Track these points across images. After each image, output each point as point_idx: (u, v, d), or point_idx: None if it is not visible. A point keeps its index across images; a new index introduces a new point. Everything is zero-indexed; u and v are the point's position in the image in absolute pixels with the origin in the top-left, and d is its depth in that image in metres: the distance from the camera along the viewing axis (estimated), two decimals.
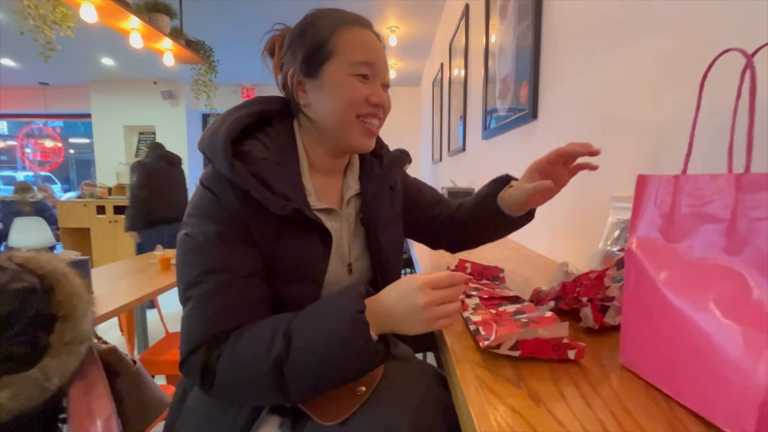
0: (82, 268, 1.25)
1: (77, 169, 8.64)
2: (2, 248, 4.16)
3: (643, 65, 0.72)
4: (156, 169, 2.70)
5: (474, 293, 0.64)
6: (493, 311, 0.53)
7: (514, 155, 1.50)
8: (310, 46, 0.58)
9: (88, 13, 1.99)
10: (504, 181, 0.71)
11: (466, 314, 0.54)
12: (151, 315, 2.12)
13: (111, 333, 2.50)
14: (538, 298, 0.61)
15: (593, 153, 0.59)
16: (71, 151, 8.16)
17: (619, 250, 0.53)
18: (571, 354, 0.42)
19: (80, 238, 4.46)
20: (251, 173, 0.53)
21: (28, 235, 4.15)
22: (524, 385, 0.38)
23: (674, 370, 0.35)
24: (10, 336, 0.45)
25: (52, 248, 4.33)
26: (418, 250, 1.20)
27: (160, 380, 1.57)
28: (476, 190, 0.76)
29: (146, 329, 1.98)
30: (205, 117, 6.09)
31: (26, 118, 6.76)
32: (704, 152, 0.54)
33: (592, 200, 0.90)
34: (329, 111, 0.58)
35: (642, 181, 0.44)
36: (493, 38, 1.79)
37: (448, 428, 0.49)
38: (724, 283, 0.32)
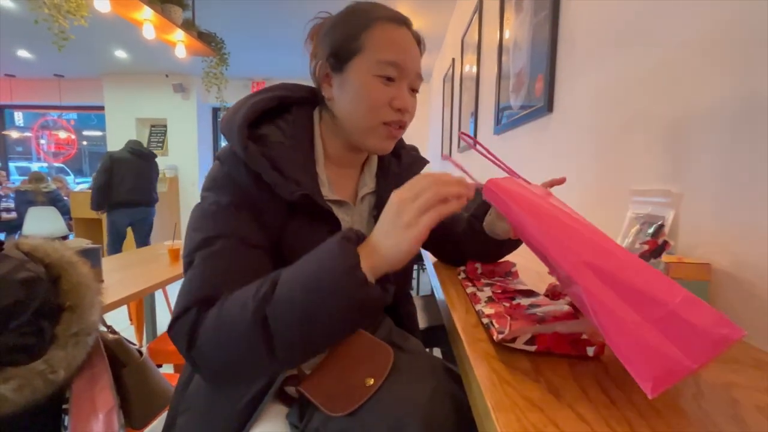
0: (93, 256, 1.26)
1: (90, 161, 8.77)
2: (17, 237, 4.23)
3: (663, 59, 0.69)
4: (120, 158, 3.20)
5: (486, 288, 0.62)
6: (507, 304, 0.52)
7: (527, 150, 1.47)
8: (340, 39, 0.56)
9: (102, 3, 2.00)
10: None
11: (478, 307, 0.53)
12: (160, 305, 2.14)
13: (121, 322, 2.53)
14: (553, 293, 0.59)
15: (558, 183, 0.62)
16: (84, 143, 8.29)
17: (642, 243, 0.51)
18: (590, 351, 0.40)
19: (92, 228, 4.53)
20: (265, 156, 0.52)
21: (42, 224, 4.22)
22: (543, 380, 0.36)
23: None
24: (15, 327, 0.44)
25: (64, 238, 4.40)
26: None
27: (167, 369, 1.58)
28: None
29: (155, 319, 2.00)
30: (216, 110, 6.13)
31: (41, 109, 6.87)
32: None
33: (611, 194, 0.88)
34: (351, 111, 0.57)
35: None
36: (507, 33, 1.76)
37: (458, 422, 0.47)
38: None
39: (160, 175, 5.38)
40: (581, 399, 0.33)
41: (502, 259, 0.75)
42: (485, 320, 0.46)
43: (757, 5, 0.50)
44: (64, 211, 4.54)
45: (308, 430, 0.51)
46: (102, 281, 1.29)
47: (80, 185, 7.07)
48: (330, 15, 0.62)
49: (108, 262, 1.61)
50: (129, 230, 3.45)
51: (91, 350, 0.52)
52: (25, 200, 4.36)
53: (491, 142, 1.99)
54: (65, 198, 4.68)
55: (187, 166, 5.77)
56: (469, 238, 0.72)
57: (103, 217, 3.34)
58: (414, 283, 3.42)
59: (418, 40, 0.61)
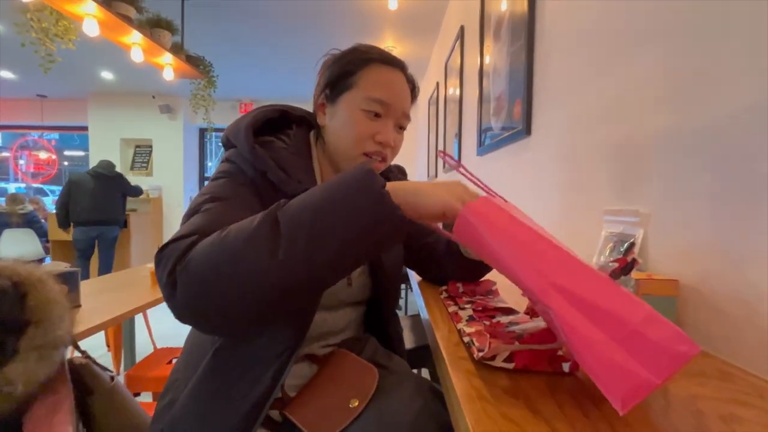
0: (71, 280, 1.23)
1: None
2: None
3: (632, 85, 0.74)
4: (78, 180, 3.49)
5: (467, 306, 0.63)
6: (487, 323, 0.53)
7: (508, 170, 1.52)
8: (337, 73, 0.62)
9: (91, 27, 2.02)
10: None
11: (459, 326, 0.54)
12: (140, 330, 2.07)
13: (97, 348, 2.43)
14: (533, 311, 0.61)
15: None
16: (66, 163, 8.11)
17: (612, 261, 0.53)
18: (566, 366, 0.41)
19: (70, 251, 4.37)
20: (272, 158, 0.56)
21: (18, 246, 4.07)
22: (522, 396, 0.37)
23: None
24: None
25: (41, 261, 4.24)
26: None
27: (146, 397, 1.52)
28: None
29: (134, 344, 1.93)
30: (203, 131, 6.13)
31: (22, 129, 6.74)
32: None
33: (587, 214, 0.91)
34: (337, 139, 0.62)
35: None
36: (487, 59, 1.84)
37: None
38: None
39: (143, 195, 5.33)
40: (557, 414, 0.34)
41: (483, 278, 0.77)
42: (466, 339, 0.47)
43: (701, 46, 0.55)
44: (41, 233, 4.39)
45: None
46: (79, 305, 1.25)
47: None
48: (339, 51, 0.68)
49: (86, 286, 1.56)
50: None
51: (56, 371, 0.48)
52: (0, 222, 4.21)
53: (475, 162, 2.05)
54: (42, 220, 4.54)
55: (172, 186, 5.71)
56: (449, 259, 0.74)
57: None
58: (402, 302, 3.40)
59: (412, 84, 0.66)
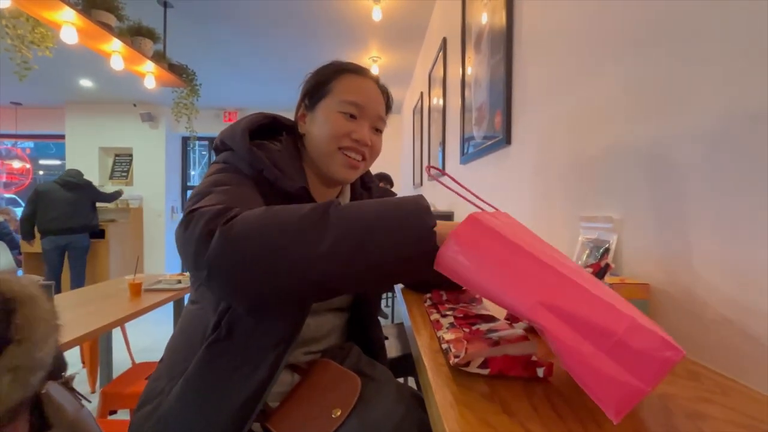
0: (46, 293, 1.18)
1: None
2: None
3: (604, 96, 0.78)
4: (45, 189, 3.45)
5: (449, 313, 0.64)
6: (467, 330, 0.54)
7: (490, 178, 1.56)
8: (314, 84, 0.66)
9: (69, 35, 1.98)
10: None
11: (440, 333, 0.54)
12: (118, 344, 2.00)
13: (72, 365, 2.33)
14: (513, 317, 0.62)
15: None
16: (41, 172, 7.85)
17: (587, 267, 0.55)
18: (540, 371, 0.42)
19: (43, 263, 4.22)
20: (267, 158, 0.59)
21: None
22: (498, 400, 0.38)
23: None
24: None
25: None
26: None
27: (123, 415, 1.47)
28: (455, 214, 0.78)
29: (111, 360, 1.87)
30: (185, 140, 6.03)
31: None
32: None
33: (564, 221, 0.94)
34: (316, 141, 0.65)
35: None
36: (469, 70, 1.89)
37: None
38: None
39: (122, 205, 5.19)
40: (532, 416, 0.35)
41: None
42: (444, 345, 0.48)
43: (666, 61, 0.59)
44: (12, 245, 4.22)
45: None
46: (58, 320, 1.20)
47: None
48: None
49: (62, 299, 1.51)
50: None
51: (29, 400, 0.44)
52: None
53: (458, 171, 2.08)
54: (14, 231, 4.36)
55: (153, 196, 5.58)
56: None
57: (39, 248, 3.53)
58: (389, 311, 3.39)
59: (385, 93, 0.70)
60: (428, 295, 0.77)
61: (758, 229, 0.44)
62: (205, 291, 0.57)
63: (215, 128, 5.32)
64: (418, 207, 0.45)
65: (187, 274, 1.81)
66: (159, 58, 2.66)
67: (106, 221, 4.74)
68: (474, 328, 0.53)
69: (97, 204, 3.88)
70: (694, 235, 0.53)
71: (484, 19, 1.60)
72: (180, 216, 0.61)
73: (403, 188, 5.33)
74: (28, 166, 6.86)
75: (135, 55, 2.41)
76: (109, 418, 1.33)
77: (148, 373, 1.47)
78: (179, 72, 2.92)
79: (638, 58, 0.66)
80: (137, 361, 2.01)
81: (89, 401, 0.57)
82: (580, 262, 0.74)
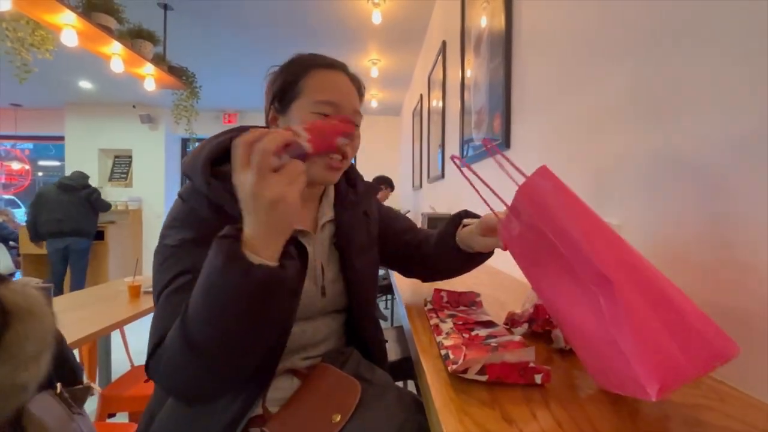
0: (48, 307, 1.18)
1: None
2: None
3: (604, 100, 0.78)
4: (44, 192, 3.49)
5: (449, 319, 0.64)
6: (466, 336, 0.54)
7: (490, 182, 1.56)
8: (282, 86, 0.62)
9: (69, 38, 1.99)
10: (461, 216, 0.75)
11: (439, 338, 0.55)
12: (117, 346, 2.00)
13: None
14: (512, 321, 0.62)
15: None
16: (40, 173, 7.84)
17: None
18: (538, 378, 0.42)
19: (42, 264, 4.21)
20: (227, 191, 0.54)
21: None
22: (498, 407, 0.38)
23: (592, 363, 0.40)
24: None
25: (11, 275, 4.06)
26: (398, 277, 1.20)
27: (122, 418, 1.46)
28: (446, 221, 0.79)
29: (110, 362, 1.86)
30: (185, 141, 6.03)
31: None
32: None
33: None
34: None
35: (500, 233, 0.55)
36: (468, 73, 1.89)
37: None
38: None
39: (121, 207, 5.19)
40: (531, 423, 0.35)
41: (467, 289, 0.78)
42: (443, 352, 0.48)
43: (668, 67, 0.59)
44: (12, 246, 4.21)
45: None
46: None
47: None
48: (278, 67, 0.68)
49: (61, 301, 1.51)
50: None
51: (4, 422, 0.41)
52: None
53: (458, 173, 2.09)
54: (13, 232, 4.36)
55: (153, 197, 5.58)
56: (440, 254, 0.75)
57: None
58: (388, 313, 3.39)
59: (356, 82, 0.66)
60: (428, 299, 0.77)
61: (755, 234, 0.44)
62: None
63: (215, 130, 5.27)
64: (217, 255, 0.41)
65: None
66: (159, 60, 2.66)
67: (106, 223, 4.74)
68: (473, 333, 0.53)
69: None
70: (692, 240, 0.54)
71: (483, 22, 1.61)
72: None
73: (402, 190, 5.34)
74: (27, 167, 6.86)
75: (135, 58, 2.41)
76: (108, 421, 1.32)
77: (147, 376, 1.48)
78: (179, 74, 2.93)
79: (639, 61, 0.66)
80: (136, 364, 2.01)
81: (81, 413, 0.52)
82: None
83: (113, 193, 5.48)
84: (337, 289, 0.67)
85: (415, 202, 4.09)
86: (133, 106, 5.42)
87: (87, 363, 2.07)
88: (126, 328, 1.75)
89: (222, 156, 0.59)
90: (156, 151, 5.60)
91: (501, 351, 0.42)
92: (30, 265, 4.27)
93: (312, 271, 0.63)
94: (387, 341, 0.80)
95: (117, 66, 2.38)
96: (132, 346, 2.36)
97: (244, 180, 0.40)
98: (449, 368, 0.43)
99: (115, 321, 1.28)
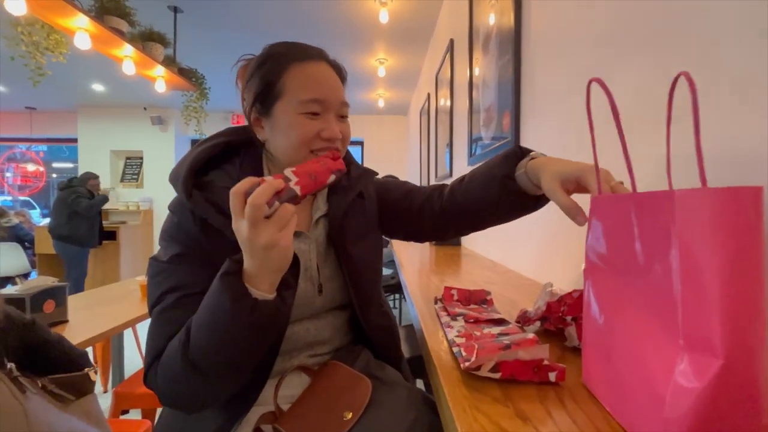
0: (59, 294, 1.21)
1: None
2: None
3: (617, 98, 0.77)
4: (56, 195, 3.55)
5: (460, 317, 0.64)
6: (478, 333, 0.54)
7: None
8: (261, 86, 0.59)
9: (82, 41, 2.03)
10: (517, 156, 0.61)
11: (451, 336, 0.54)
12: (130, 344, 2.03)
13: None
14: (524, 319, 0.62)
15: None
16: (54, 175, 8.00)
17: None
18: (552, 376, 0.42)
19: (58, 264, 4.30)
20: (210, 201, 0.55)
21: (3, 261, 3.98)
22: (512, 405, 0.38)
23: (612, 389, 0.36)
24: None
25: (26, 275, 4.16)
26: (407, 275, 1.20)
27: (135, 414, 1.49)
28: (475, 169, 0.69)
29: (123, 360, 1.89)
30: (195, 142, 6.09)
31: (10, 142, 6.65)
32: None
33: (571, 224, 0.93)
34: (285, 148, 0.59)
35: (592, 203, 0.45)
36: (476, 71, 1.88)
37: None
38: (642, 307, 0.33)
39: (132, 207, 5.28)
40: (546, 421, 0.35)
41: (477, 288, 0.77)
42: (455, 349, 0.48)
43: (684, 63, 0.58)
44: (28, 247, 4.31)
45: None
46: (66, 321, 1.23)
47: (46, 219, 6.76)
48: (254, 56, 0.63)
49: (75, 300, 1.54)
50: (91, 267, 3.66)
51: None
52: None
53: (466, 171, 2.07)
54: (30, 232, 4.46)
55: (163, 198, 5.66)
56: (492, 204, 0.64)
57: None
58: (396, 312, 3.38)
59: (338, 69, 0.63)
60: (438, 297, 0.76)
61: None
62: None
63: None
64: (221, 293, 0.45)
65: None
66: (169, 62, 2.70)
67: (117, 223, 4.83)
68: (485, 331, 0.53)
69: (107, 207, 3.91)
70: None
71: (491, 20, 1.60)
72: None
73: None
74: (41, 169, 7.01)
75: (146, 60, 2.45)
76: (121, 417, 1.34)
77: None
78: (189, 76, 2.97)
79: (651, 59, 0.65)
80: None
81: (22, 392, 0.44)
82: None
83: (125, 194, 5.58)
84: (336, 285, 0.65)
85: None
86: (144, 108, 5.50)
87: (100, 361, 2.10)
88: (138, 326, 1.78)
89: (206, 164, 0.59)
90: (166, 152, 5.68)
91: (514, 348, 0.42)
92: (45, 264, 4.36)
93: (308, 271, 0.62)
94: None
95: (129, 68, 2.42)
96: (144, 344, 2.40)
97: (239, 227, 0.44)
98: (462, 365, 0.43)
99: (128, 319, 1.30)
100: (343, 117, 0.62)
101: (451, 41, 2.51)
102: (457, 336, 0.52)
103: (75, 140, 5.69)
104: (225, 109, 5.65)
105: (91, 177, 3.66)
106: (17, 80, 4.40)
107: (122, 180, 5.76)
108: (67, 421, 0.41)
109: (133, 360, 2.21)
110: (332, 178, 0.48)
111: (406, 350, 1.28)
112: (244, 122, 0.66)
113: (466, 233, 0.76)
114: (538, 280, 1.08)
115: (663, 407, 0.28)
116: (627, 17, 0.72)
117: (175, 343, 0.49)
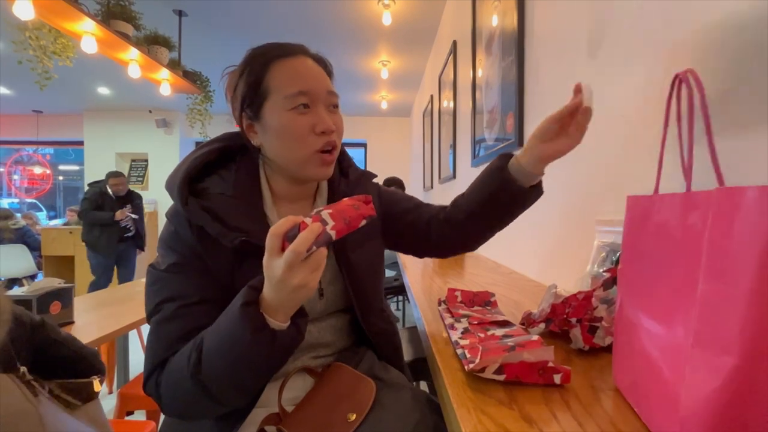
0: (65, 296, 1.22)
1: (65, 196, 8.53)
2: None
3: (620, 98, 0.76)
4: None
5: (464, 319, 0.64)
6: (482, 335, 0.53)
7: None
8: (246, 90, 0.58)
9: (89, 45, 2.05)
10: (507, 156, 0.66)
11: (455, 338, 0.54)
12: (134, 346, 2.04)
13: None
14: (528, 321, 0.61)
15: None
16: (60, 178, 8.09)
17: (604, 272, 0.54)
18: (557, 378, 0.41)
19: (63, 266, 4.33)
20: (205, 209, 0.55)
21: (10, 262, 4.03)
22: (516, 407, 0.37)
23: (636, 388, 0.36)
24: None
25: (33, 277, 4.20)
26: (410, 276, 1.20)
27: (140, 416, 1.49)
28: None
29: (128, 361, 1.90)
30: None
31: (17, 145, 6.73)
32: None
33: (578, 225, 0.93)
34: (281, 149, 0.59)
35: (629, 203, 0.45)
36: (479, 72, 1.88)
37: None
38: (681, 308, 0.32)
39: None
40: (552, 423, 0.34)
41: (481, 290, 0.77)
42: (459, 351, 0.48)
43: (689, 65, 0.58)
44: (34, 248, 4.35)
45: None
46: (72, 321, 1.24)
47: (53, 221, 6.82)
48: (235, 67, 0.63)
49: (81, 301, 1.55)
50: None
51: None
52: None
53: (470, 173, 2.07)
54: (36, 234, 4.50)
55: (168, 200, 5.59)
56: (489, 201, 0.65)
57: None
58: (400, 314, 3.38)
59: (322, 62, 0.62)
60: (442, 299, 0.76)
61: None
62: None
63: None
64: (242, 325, 0.45)
65: None
66: (174, 65, 2.72)
67: None
68: (489, 333, 0.53)
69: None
70: None
71: (494, 21, 1.60)
72: None
73: (413, 191, 5.33)
74: (48, 171, 7.08)
75: (151, 63, 2.47)
76: (126, 418, 1.35)
77: None
78: (193, 79, 2.99)
79: (654, 60, 0.65)
80: None
81: (34, 395, 0.45)
82: (595, 267, 0.72)
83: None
84: (337, 289, 0.65)
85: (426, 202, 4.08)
86: (149, 111, 5.55)
87: (106, 362, 2.12)
88: (143, 328, 1.78)
89: (202, 171, 0.60)
90: (171, 155, 5.72)
91: (519, 350, 0.41)
92: (51, 266, 4.40)
93: None
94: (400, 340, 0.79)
95: (134, 72, 2.44)
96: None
97: (274, 265, 0.44)
98: (466, 367, 0.43)
99: (133, 321, 1.31)
100: (334, 107, 0.61)
101: (454, 43, 2.51)
102: (461, 337, 0.52)
103: (81, 143, 5.75)
104: (229, 112, 5.65)
105: (111, 176, 3.26)
106: (24, 84, 4.46)
107: (128, 182, 5.81)
108: (77, 426, 0.41)
109: (139, 361, 2.22)
110: (363, 223, 0.49)
111: (409, 352, 1.28)
112: None
113: (474, 243, 0.73)
114: (543, 282, 1.07)
115: (679, 406, 0.28)
116: (629, 18, 0.72)
117: (183, 361, 0.48)
